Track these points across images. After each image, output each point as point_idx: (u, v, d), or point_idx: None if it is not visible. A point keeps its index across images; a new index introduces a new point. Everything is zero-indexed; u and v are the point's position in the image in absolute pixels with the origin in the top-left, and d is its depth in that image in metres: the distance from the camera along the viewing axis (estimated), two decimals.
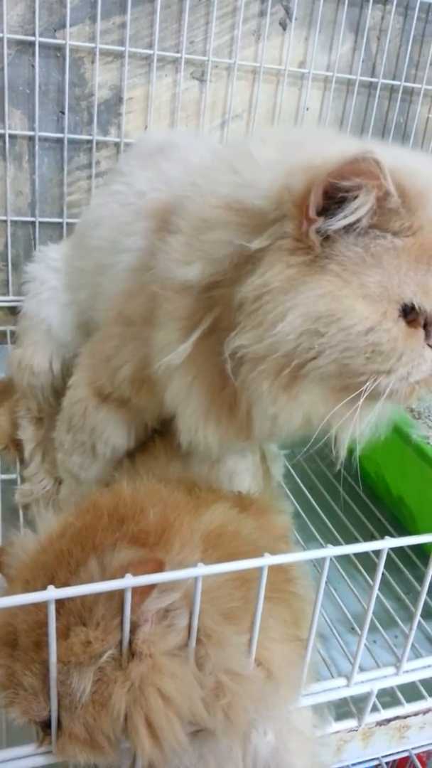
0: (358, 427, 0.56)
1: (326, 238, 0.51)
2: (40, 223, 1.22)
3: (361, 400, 0.53)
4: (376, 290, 0.50)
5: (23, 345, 0.90)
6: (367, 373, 0.52)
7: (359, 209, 0.49)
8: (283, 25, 1.23)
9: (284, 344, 0.51)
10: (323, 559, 0.50)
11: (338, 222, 0.49)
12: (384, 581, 0.84)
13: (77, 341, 0.85)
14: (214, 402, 0.60)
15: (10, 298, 1.26)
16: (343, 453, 0.59)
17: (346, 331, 0.50)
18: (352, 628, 0.80)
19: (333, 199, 0.49)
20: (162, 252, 0.60)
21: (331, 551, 0.50)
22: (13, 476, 0.94)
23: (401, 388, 0.53)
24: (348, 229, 0.50)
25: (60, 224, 1.23)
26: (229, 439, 0.63)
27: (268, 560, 0.47)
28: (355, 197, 0.48)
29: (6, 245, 1.23)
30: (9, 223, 1.21)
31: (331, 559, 0.51)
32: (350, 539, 0.92)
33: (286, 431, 0.60)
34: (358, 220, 0.50)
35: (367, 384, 0.52)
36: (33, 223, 1.23)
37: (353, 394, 0.53)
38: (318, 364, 0.52)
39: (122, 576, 0.45)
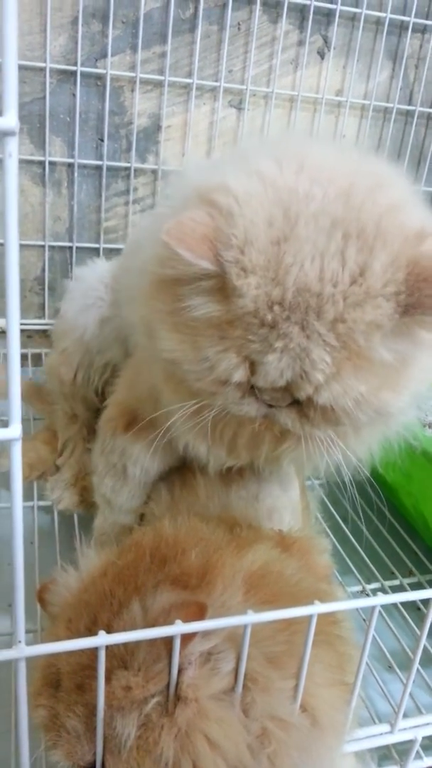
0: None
1: None
2: (77, 248, 1.24)
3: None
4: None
5: (56, 351, 0.95)
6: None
7: None
8: (321, 54, 1.24)
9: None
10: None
11: None
12: (420, 617, 0.83)
13: (112, 353, 0.89)
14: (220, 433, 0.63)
15: (46, 321, 1.27)
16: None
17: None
18: (389, 666, 0.78)
19: None
20: None
21: (380, 600, 0.49)
22: (49, 503, 0.94)
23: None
24: None
25: (97, 249, 1.25)
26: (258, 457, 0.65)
27: (317, 608, 0.46)
28: None
29: (43, 269, 1.24)
30: (47, 248, 1.22)
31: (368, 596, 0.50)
32: (386, 573, 0.91)
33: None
34: None
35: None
36: (70, 248, 1.24)
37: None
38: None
39: (165, 619, 0.45)
